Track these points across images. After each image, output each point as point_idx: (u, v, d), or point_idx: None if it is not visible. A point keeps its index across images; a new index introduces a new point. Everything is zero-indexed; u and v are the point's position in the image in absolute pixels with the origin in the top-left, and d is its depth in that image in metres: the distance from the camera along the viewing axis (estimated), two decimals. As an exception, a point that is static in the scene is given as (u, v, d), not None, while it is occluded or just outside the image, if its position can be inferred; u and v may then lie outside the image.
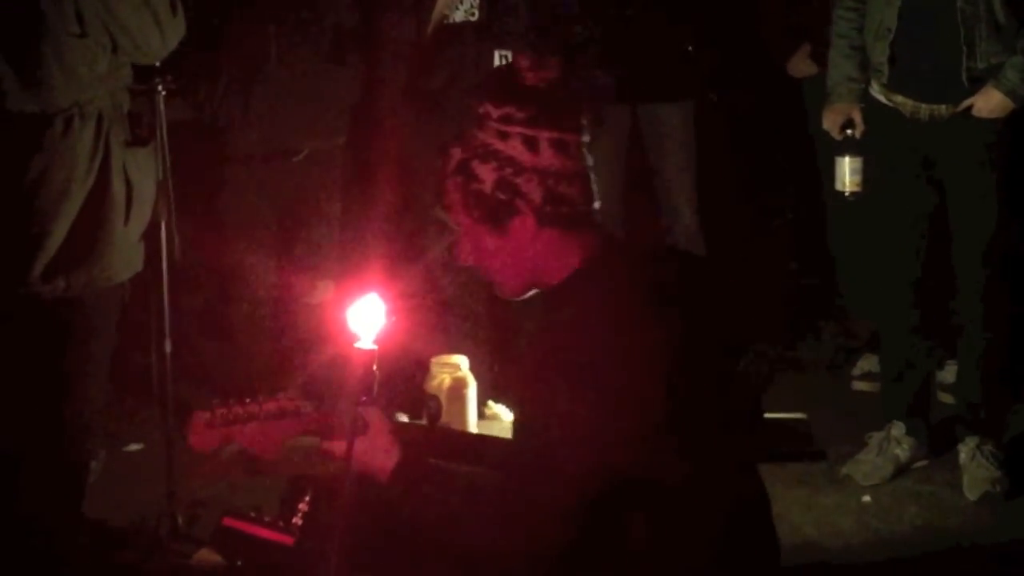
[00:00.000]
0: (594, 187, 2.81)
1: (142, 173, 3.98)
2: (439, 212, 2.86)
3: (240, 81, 5.40)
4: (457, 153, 2.78)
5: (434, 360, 4.17)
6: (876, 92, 5.04)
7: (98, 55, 3.78)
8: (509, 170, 2.73)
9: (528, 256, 2.79)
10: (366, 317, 2.60)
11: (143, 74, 4.36)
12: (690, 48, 6.07)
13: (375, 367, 2.60)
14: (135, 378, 4.94)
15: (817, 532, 4.80)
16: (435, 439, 3.10)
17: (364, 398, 2.60)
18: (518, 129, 2.73)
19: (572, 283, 2.79)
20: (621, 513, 2.63)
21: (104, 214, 3.85)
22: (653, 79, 6.03)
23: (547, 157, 2.73)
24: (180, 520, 4.43)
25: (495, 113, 2.75)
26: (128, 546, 4.48)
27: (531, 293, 2.87)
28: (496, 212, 2.76)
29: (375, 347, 2.59)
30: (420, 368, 4.21)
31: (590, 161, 2.80)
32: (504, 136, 2.73)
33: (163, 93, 4.43)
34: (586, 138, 2.79)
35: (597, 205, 2.81)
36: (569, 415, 2.59)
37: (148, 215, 4.05)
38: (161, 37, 3.91)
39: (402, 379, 4.89)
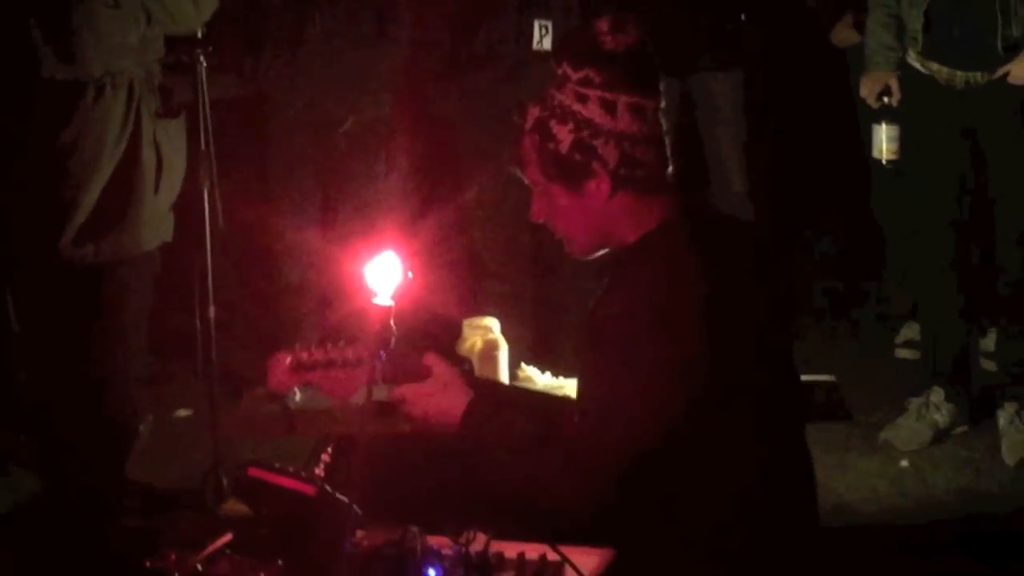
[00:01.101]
0: (668, 153, 2.82)
1: (172, 144, 4.05)
2: (513, 168, 2.88)
3: (284, 54, 5.47)
4: (535, 112, 2.79)
5: (466, 322, 4.23)
6: (912, 60, 5.05)
7: (131, 25, 3.86)
8: (586, 132, 2.74)
9: (601, 217, 2.81)
10: (383, 273, 2.66)
11: (184, 45, 4.45)
12: (742, 17, 6.10)
13: (392, 323, 2.66)
14: (183, 345, 5.02)
15: (854, 496, 4.84)
16: (499, 390, 3.16)
17: (382, 353, 2.67)
18: (596, 92, 2.74)
19: (640, 248, 2.81)
20: (671, 476, 2.68)
21: (133, 183, 3.92)
22: (703, 49, 6.06)
23: (624, 121, 2.74)
24: (225, 482, 4.52)
25: (574, 75, 2.76)
26: (175, 508, 4.58)
27: (601, 253, 2.89)
28: (572, 172, 2.78)
29: (392, 303, 2.65)
30: (453, 330, 4.28)
31: (665, 126, 2.80)
32: (583, 98, 2.74)
33: (204, 64, 4.50)
34: (663, 104, 2.80)
35: (671, 170, 2.82)
36: (626, 382, 2.64)
37: (178, 186, 4.12)
38: (195, 8, 3.99)
39: (436, 341, 4.95)
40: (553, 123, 2.77)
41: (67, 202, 3.85)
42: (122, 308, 4.00)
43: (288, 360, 2.86)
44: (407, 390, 2.82)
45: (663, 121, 2.80)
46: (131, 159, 3.90)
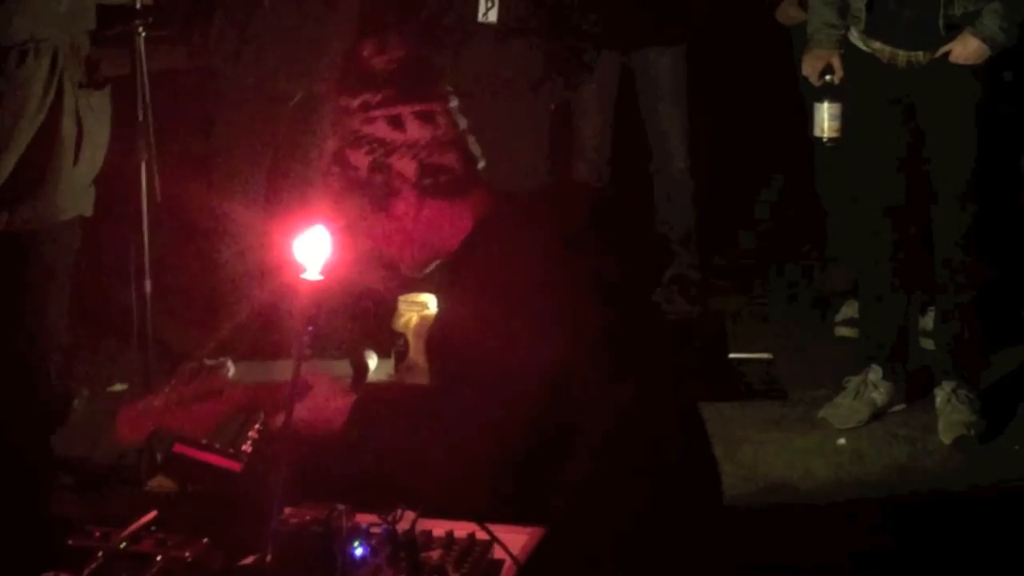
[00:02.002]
0: (474, 148, 2.82)
1: (95, 116, 3.99)
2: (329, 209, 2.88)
3: (234, 26, 5.42)
4: (331, 145, 2.81)
5: (401, 298, 4.22)
6: (854, 39, 5.06)
7: None
8: (380, 151, 2.75)
9: (419, 232, 2.81)
10: (312, 248, 2.63)
11: (123, 16, 4.40)
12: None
13: (320, 299, 2.63)
14: (119, 319, 4.98)
15: (791, 474, 4.86)
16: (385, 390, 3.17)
17: (310, 328, 2.64)
18: (380, 112, 2.74)
19: (467, 247, 2.80)
20: (561, 442, 2.67)
21: (52, 152, 3.87)
22: (645, 24, 6.06)
23: (414, 131, 2.74)
24: (159, 457, 4.47)
25: (353, 104, 2.76)
26: (108, 484, 4.54)
27: (434, 266, 2.88)
28: (376, 195, 2.78)
29: (321, 278, 2.62)
30: (387, 306, 4.27)
31: (464, 124, 2.81)
32: (370, 121, 2.75)
33: (143, 35, 4.46)
34: (454, 103, 2.80)
35: (481, 165, 2.83)
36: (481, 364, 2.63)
37: (100, 159, 4.05)
38: None
39: (370, 317, 4.96)
40: (348, 151, 2.78)
41: None
42: (43, 281, 3.95)
43: (133, 410, 2.82)
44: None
45: (459, 120, 2.81)
46: (51, 128, 3.84)
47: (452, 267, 2.83)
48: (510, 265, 2.69)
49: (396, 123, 2.75)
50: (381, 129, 2.75)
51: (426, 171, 2.77)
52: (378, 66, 2.77)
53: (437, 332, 2.83)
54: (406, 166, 2.76)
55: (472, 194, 2.81)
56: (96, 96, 3.97)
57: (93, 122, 3.95)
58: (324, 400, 2.80)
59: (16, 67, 3.78)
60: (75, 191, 3.93)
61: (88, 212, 4.04)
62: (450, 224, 2.81)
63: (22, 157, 3.82)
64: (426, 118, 2.77)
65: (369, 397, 2.83)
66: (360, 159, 2.77)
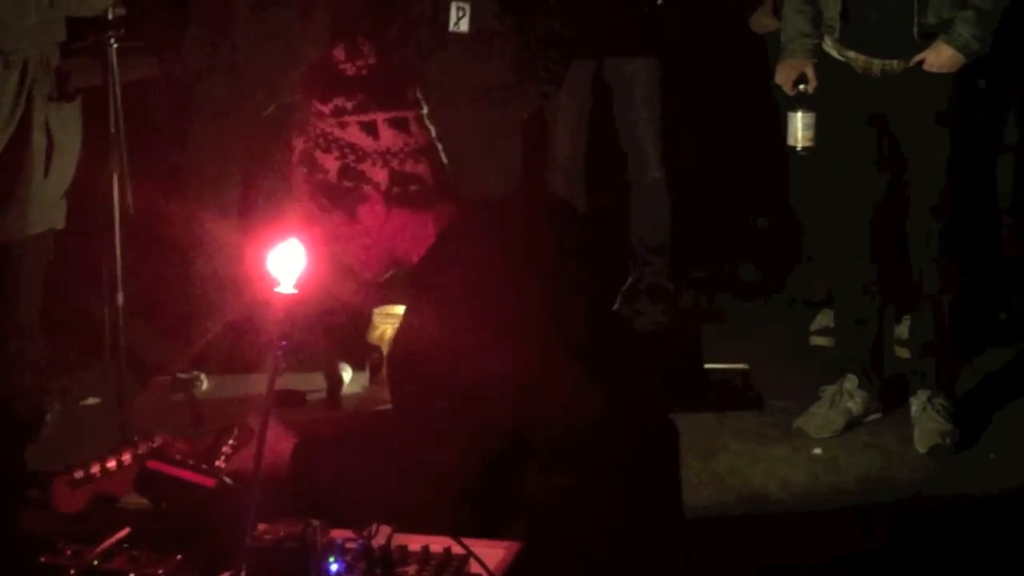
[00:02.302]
0: (443, 158, 2.79)
1: (65, 129, 3.96)
2: (292, 205, 2.86)
3: (206, 38, 5.40)
4: (299, 144, 2.77)
5: (376, 310, 4.19)
6: (829, 47, 5.06)
7: (29, 6, 3.79)
8: (352, 157, 2.72)
9: (382, 239, 2.78)
10: (286, 262, 2.61)
11: (95, 27, 4.38)
12: (658, 2, 6.09)
13: (294, 314, 2.61)
14: (91, 333, 4.96)
15: (767, 484, 4.85)
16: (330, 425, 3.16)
17: (284, 342, 2.62)
18: (353, 117, 2.71)
19: (430, 258, 2.76)
20: (520, 458, 2.65)
21: (21, 165, 3.84)
22: (619, 33, 6.05)
23: (388, 138, 2.72)
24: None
25: (326, 109, 2.73)
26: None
27: (390, 274, 2.86)
28: (343, 200, 2.75)
29: (295, 291, 2.60)
30: (362, 319, 4.25)
31: (433, 132, 2.78)
32: (343, 125, 2.72)
33: (115, 47, 4.44)
34: (424, 110, 2.78)
35: (445, 174, 2.79)
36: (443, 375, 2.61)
37: (70, 171, 4.03)
38: None
39: (344, 330, 4.94)
40: (318, 153, 2.75)
41: None
42: (12, 294, 3.91)
43: (67, 479, 2.79)
44: (234, 464, 2.77)
45: (430, 128, 2.78)
46: (20, 141, 3.81)
47: (415, 279, 2.80)
48: (474, 277, 2.66)
49: (369, 129, 2.72)
50: (354, 135, 2.72)
51: (396, 180, 2.74)
52: (351, 71, 2.75)
53: (400, 346, 2.80)
54: (377, 173, 2.73)
55: (437, 204, 2.78)
56: (66, 108, 3.94)
57: (63, 135, 3.92)
58: (268, 446, 2.77)
59: None
60: (45, 204, 3.90)
61: (60, 224, 4.01)
62: (413, 234, 2.78)
63: None
64: (399, 126, 2.74)
65: (310, 439, 2.79)
66: (330, 163, 2.74)
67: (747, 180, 6.99)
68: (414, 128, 2.76)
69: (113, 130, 4.39)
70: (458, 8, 5.44)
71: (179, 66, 5.46)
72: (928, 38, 4.87)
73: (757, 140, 6.61)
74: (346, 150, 2.73)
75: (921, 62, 4.89)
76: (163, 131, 5.87)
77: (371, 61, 2.76)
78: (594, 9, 5.95)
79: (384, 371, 4.00)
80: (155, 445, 2.81)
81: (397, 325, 4.11)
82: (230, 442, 2.80)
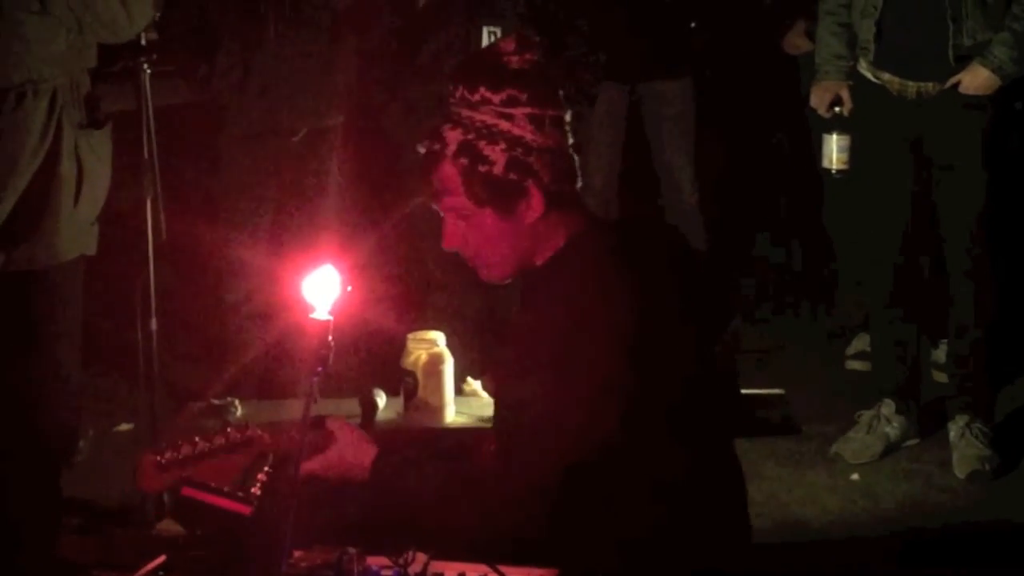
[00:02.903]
0: (576, 165, 2.80)
1: (95, 156, 3.95)
2: (427, 198, 2.82)
3: (238, 62, 5.40)
4: (456, 135, 2.73)
5: (410, 336, 4.17)
6: (863, 69, 5.03)
7: (59, 33, 3.77)
8: (519, 150, 2.70)
9: (525, 238, 2.77)
10: (321, 288, 2.60)
11: (128, 53, 4.37)
12: (692, 25, 6.09)
13: (330, 338, 2.60)
14: (125, 358, 4.94)
15: (805, 510, 4.82)
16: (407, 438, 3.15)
17: (320, 369, 2.60)
18: (524, 110, 2.70)
19: (554, 265, 2.78)
20: (597, 495, 2.64)
21: (51, 194, 3.82)
22: (651, 57, 6.05)
23: (552, 135, 2.72)
24: (166, 498, 4.44)
25: (495, 97, 2.71)
26: (115, 525, 4.51)
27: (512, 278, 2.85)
28: (505, 194, 2.72)
29: (330, 318, 2.59)
30: (396, 344, 4.23)
31: (572, 139, 2.79)
32: (508, 117, 2.70)
33: (148, 72, 4.44)
34: (569, 114, 2.78)
35: (579, 184, 2.80)
36: (545, 397, 2.60)
37: (102, 198, 4.01)
38: (127, 18, 3.90)
39: (379, 356, 4.92)
40: (483, 144, 2.71)
41: None
42: (51, 319, 3.90)
43: (156, 460, 2.79)
44: (315, 464, 2.79)
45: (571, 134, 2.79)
46: (49, 170, 3.79)
47: (536, 282, 2.79)
48: (596, 296, 2.65)
49: (539, 124, 2.72)
50: (523, 128, 2.71)
51: (556, 177, 2.73)
52: (516, 65, 2.73)
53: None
54: (543, 169, 2.72)
55: (570, 213, 2.79)
56: (97, 135, 3.93)
57: (94, 162, 3.90)
58: (350, 451, 2.78)
59: (14, 109, 3.73)
60: (76, 232, 3.89)
61: (91, 251, 3.99)
62: (545, 235, 2.78)
63: (20, 199, 3.77)
64: (559, 125, 2.75)
65: (391, 449, 2.81)
66: (497, 154, 2.71)
67: (780, 203, 6.96)
68: (568, 129, 2.77)
69: (146, 155, 4.38)
70: (490, 33, 5.43)
71: (210, 91, 5.46)
72: (963, 60, 4.84)
73: (791, 163, 6.58)
74: (515, 143, 2.71)
75: (957, 84, 4.85)
76: (195, 156, 5.87)
77: (536, 57, 2.75)
78: (626, 33, 5.95)
79: (419, 396, 4.00)
80: (245, 434, 2.81)
81: (431, 350, 4.14)
82: (265, 468, 2.79)
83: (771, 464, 5.10)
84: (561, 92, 2.79)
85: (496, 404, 2.87)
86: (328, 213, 5.62)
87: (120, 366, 5.36)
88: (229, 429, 2.81)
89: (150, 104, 4.43)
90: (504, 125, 2.70)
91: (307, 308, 2.59)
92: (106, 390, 5.52)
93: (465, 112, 2.73)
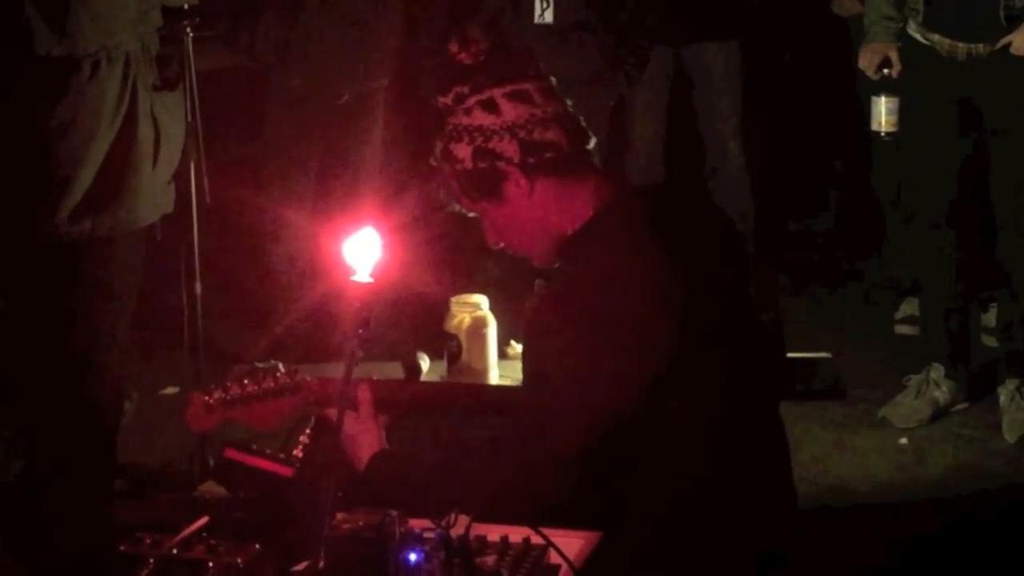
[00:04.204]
0: (583, 125, 2.80)
1: (170, 116, 3.99)
2: (455, 207, 2.87)
3: (281, 26, 5.40)
4: (439, 146, 2.80)
5: (454, 299, 4.15)
6: (913, 31, 4.98)
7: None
8: (480, 138, 2.74)
9: (535, 215, 2.78)
10: (362, 250, 2.59)
11: (172, 17, 4.37)
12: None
13: (372, 301, 2.59)
14: (170, 321, 4.96)
15: (852, 474, 4.80)
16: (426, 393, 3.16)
17: (361, 331, 2.60)
18: (472, 99, 2.74)
19: (583, 234, 2.77)
20: (626, 459, 2.63)
21: (132, 157, 3.86)
22: (699, 20, 6.00)
23: (508, 111, 2.73)
24: (211, 460, 4.45)
25: (450, 100, 2.77)
26: (160, 489, 4.53)
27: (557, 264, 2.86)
28: (486, 183, 2.76)
29: (371, 280, 2.58)
30: (440, 308, 4.22)
31: (569, 103, 2.79)
32: (467, 112, 2.75)
33: (191, 35, 4.43)
34: (551, 80, 2.79)
35: (592, 144, 2.80)
36: (573, 360, 2.60)
37: (177, 158, 4.06)
38: None
39: (422, 319, 4.91)
40: (452, 145, 2.77)
41: (62, 180, 3.78)
42: (113, 283, 3.93)
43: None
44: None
45: (559, 97, 2.79)
46: (128, 134, 3.82)
47: (565, 249, 2.79)
48: (630, 262, 2.66)
49: (490, 107, 2.74)
50: (477, 116, 2.74)
51: (527, 149, 2.74)
52: (467, 60, 2.78)
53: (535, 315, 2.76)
54: (507, 147, 2.74)
55: (589, 178, 2.78)
56: (170, 96, 3.96)
57: (168, 121, 3.93)
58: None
59: (89, 78, 3.75)
60: (155, 193, 3.93)
61: (169, 208, 4.04)
62: (564, 205, 2.77)
63: (102, 166, 3.80)
64: (519, 97, 2.75)
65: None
66: (462, 150, 2.76)
67: (828, 167, 6.91)
68: (538, 98, 2.76)
69: (190, 119, 4.38)
70: (542, 0, 5.39)
71: (253, 55, 5.46)
72: (1014, 21, 4.78)
73: (839, 126, 6.53)
74: (475, 133, 2.74)
75: (1008, 45, 4.79)
76: (238, 120, 5.87)
77: (483, 46, 2.78)
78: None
79: (463, 360, 3.98)
80: (294, 379, 2.82)
81: (474, 314, 4.12)
82: (307, 431, 2.79)
83: (818, 429, 5.08)
84: (535, 64, 2.81)
85: (524, 365, 2.86)
86: (371, 176, 5.62)
87: (165, 329, 5.38)
88: (278, 373, 2.82)
89: (193, 68, 4.43)
90: (464, 120, 2.75)
91: (349, 271, 2.58)
92: (151, 354, 5.53)
93: (445, 120, 2.79)
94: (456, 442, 2.88)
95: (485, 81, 2.74)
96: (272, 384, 2.82)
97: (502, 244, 2.87)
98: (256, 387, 2.81)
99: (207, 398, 2.80)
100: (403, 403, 2.96)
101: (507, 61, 2.81)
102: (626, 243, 2.71)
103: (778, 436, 2.88)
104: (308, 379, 2.86)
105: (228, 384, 2.82)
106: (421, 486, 2.71)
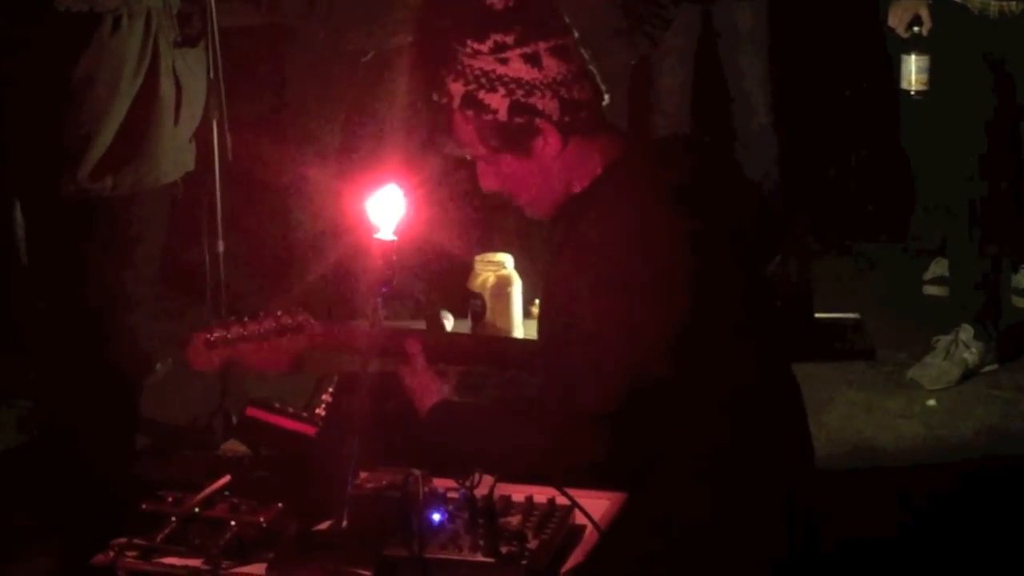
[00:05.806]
0: (599, 82, 2.75)
1: (192, 73, 3.98)
2: (453, 148, 2.81)
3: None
4: (459, 87, 2.69)
5: (478, 257, 4.12)
6: (944, -12, 4.94)
7: None
8: (520, 92, 2.66)
9: (556, 172, 2.73)
10: (385, 207, 2.56)
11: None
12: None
13: (395, 259, 2.57)
14: (192, 280, 4.95)
15: (880, 435, 4.78)
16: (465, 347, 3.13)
17: (384, 289, 2.57)
18: (514, 51, 2.66)
19: (594, 189, 2.74)
20: (647, 419, 2.60)
21: (153, 114, 3.86)
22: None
23: (552, 67, 2.67)
24: (234, 418, 4.45)
25: (484, 47, 2.66)
26: (183, 447, 4.52)
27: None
28: (517, 137, 2.69)
29: (395, 238, 2.55)
30: (464, 266, 4.20)
31: (587, 56, 2.74)
32: (503, 61, 2.66)
33: (213, -8, 4.41)
34: (576, 34, 2.73)
35: (607, 99, 2.75)
36: (592, 318, 2.57)
37: (199, 115, 4.06)
38: None
39: (447, 277, 4.90)
40: (483, 94, 2.67)
41: (83, 137, 3.78)
42: (138, 240, 3.93)
43: (206, 338, 2.80)
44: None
45: (584, 53, 2.73)
46: (149, 91, 3.82)
47: (576, 207, 2.74)
48: (640, 215, 2.63)
49: (533, 61, 2.67)
50: (517, 68, 2.66)
51: (567, 108, 2.69)
52: (500, 5, 2.69)
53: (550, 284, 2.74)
54: (548, 104, 2.68)
55: (602, 134, 2.75)
56: (192, 53, 3.94)
57: (190, 79, 3.93)
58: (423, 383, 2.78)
59: (111, 34, 3.74)
60: (177, 151, 3.92)
61: (191, 166, 4.03)
62: (580, 163, 2.73)
63: (123, 122, 3.79)
64: (561, 53, 2.69)
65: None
66: (497, 101, 2.67)
67: (858, 125, 6.85)
68: (573, 53, 2.71)
69: (212, 76, 4.35)
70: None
71: (276, 11, 5.43)
72: (1050, -24, 4.74)
73: (869, 84, 6.47)
74: (512, 86, 2.67)
75: (1042, 2, 4.75)
76: (261, 77, 5.85)
77: None
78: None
79: (487, 319, 3.96)
80: (296, 319, 2.78)
81: (499, 272, 4.09)
82: (330, 389, 2.77)
83: (846, 389, 5.06)
84: (563, 16, 2.74)
85: (540, 322, 2.83)
86: (395, 134, 5.59)
87: (188, 287, 5.36)
88: (280, 312, 2.80)
89: (215, 24, 4.40)
90: (500, 70, 2.66)
91: (372, 229, 2.56)
92: (174, 312, 5.52)
93: (464, 62, 2.68)
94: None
95: (529, 32, 2.66)
96: (274, 324, 2.78)
97: (495, 190, 2.81)
98: (258, 326, 2.78)
99: (208, 335, 2.78)
100: (457, 355, 2.93)
101: (544, 12, 2.71)
102: (639, 196, 2.68)
103: (795, 395, 2.85)
104: (311, 320, 2.82)
105: (229, 323, 2.80)
106: (479, 438, 2.68)
